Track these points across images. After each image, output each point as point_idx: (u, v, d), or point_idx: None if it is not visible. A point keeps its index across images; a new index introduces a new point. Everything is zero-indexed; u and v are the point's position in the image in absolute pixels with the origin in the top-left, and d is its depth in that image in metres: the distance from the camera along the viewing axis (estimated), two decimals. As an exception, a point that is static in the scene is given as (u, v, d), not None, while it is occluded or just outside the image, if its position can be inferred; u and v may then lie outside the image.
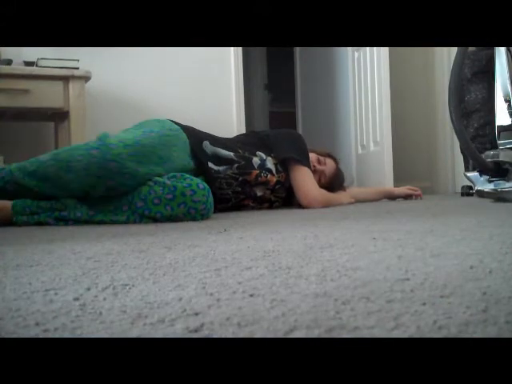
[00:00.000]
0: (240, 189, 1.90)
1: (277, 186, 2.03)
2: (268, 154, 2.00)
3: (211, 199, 1.53)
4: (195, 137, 1.85)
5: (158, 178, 1.53)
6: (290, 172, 2.03)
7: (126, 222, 1.50)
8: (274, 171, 1.99)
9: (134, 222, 1.50)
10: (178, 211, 1.47)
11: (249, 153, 1.95)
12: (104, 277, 0.58)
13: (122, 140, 1.53)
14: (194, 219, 1.49)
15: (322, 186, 2.13)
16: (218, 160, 1.86)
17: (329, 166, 2.22)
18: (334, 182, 2.22)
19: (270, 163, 1.99)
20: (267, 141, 2.07)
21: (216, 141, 1.92)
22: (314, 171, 2.13)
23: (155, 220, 1.49)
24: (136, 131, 1.65)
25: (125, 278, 0.57)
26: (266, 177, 1.96)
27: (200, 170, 1.79)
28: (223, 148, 1.89)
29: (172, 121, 1.85)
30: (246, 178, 1.90)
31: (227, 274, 0.58)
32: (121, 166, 1.47)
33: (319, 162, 2.19)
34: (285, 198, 2.12)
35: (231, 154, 1.89)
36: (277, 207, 2.16)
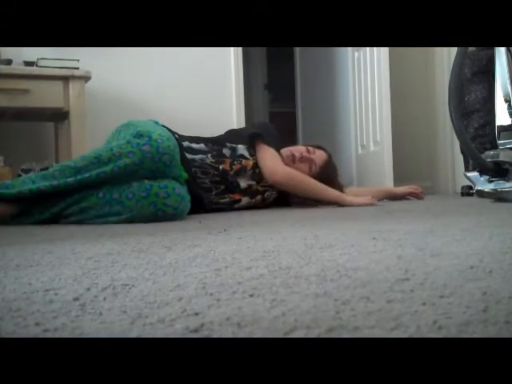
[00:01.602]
0: (219, 179, 1.93)
1: (256, 170, 2.05)
2: (239, 142, 2.04)
3: (183, 206, 1.54)
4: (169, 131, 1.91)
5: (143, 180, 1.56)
6: (256, 154, 2.06)
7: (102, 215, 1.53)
8: (247, 155, 2.02)
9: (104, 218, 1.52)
10: (147, 210, 1.49)
11: (218, 145, 2.00)
12: (104, 277, 0.58)
13: (161, 134, 1.58)
14: (157, 221, 1.49)
15: (314, 175, 2.10)
16: (192, 151, 1.91)
17: (318, 155, 2.19)
18: (325, 172, 2.16)
19: (241, 150, 2.03)
20: (241, 132, 2.12)
21: (183, 136, 1.97)
22: (303, 159, 2.12)
23: (118, 215, 1.51)
24: (156, 126, 1.70)
25: (125, 278, 0.57)
26: (240, 163, 1.99)
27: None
28: (193, 141, 1.97)
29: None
30: (224, 166, 1.93)
31: (227, 273, 0.58)
32: (171, 158, 1.54)
33: (308, 151, 2.17)
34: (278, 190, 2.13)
35: (202, 145, 1.97)
36: (274, 202, 2.16)
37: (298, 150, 2.16)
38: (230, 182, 1.96)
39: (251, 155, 2.04)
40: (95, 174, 1.52)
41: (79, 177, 1.53)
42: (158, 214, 1.48)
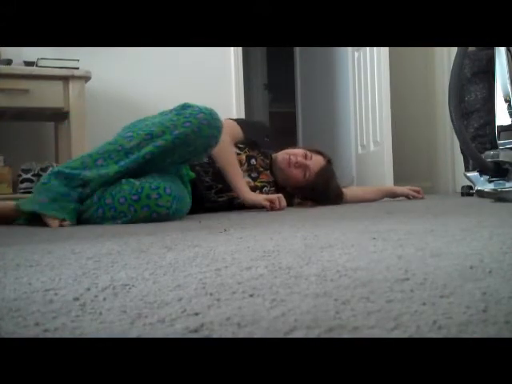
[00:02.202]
0: (217, 177, 1.94)
1: (252, 161, 2.05)
2: None
3: (177, 206, 1.53)
4: None
5: (130, 179, 1.53)
6: None
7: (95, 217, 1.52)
8: (237, 150, 2.03)
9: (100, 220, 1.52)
10: (141, 214, 1.47)
11: None
12: (104, 277, 0.58)
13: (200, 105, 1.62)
14: (153, 222, 1.48)
15: (308, 181, 2.08)
16: None
17: (314, 161, 2.14)
18: (320, 178, 2.11)
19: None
20: None
21: None
22: (297, 164, 2.08)
23: (114, 219, 1.50)
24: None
25: (125, 278, 0.57)
26: None
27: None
28: None
29: None
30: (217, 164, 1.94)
31: (227, 273, 0.58)
32: (221, 125, 1.60)
33: (305, 156, 2.13)
34: (276, 183, 2.12)
35: None
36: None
37: (296, 153, 2.12)
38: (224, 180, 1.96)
39: (241, 149, 2.04)
40: (157, 149, 1.51)
41: (140, 158, 1.51)
42: (153, 216, 1.47)
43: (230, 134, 1.97)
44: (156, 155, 1.52)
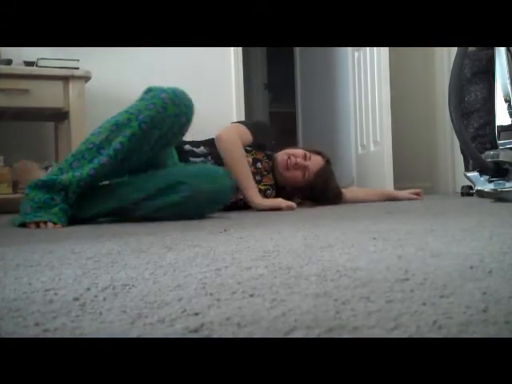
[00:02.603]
0: None
1: (258, 165, 2.06)
2: None
3: None
4: None
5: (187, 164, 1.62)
6: None
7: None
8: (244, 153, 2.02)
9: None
10: (207, 186, 1.50)
11: (214, 147, 1.99)
12: (104, 277, 0.58)
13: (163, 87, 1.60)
14: (219, 206, 1.59)
15: (307, 181, 2.09)
16: (195, 154, 1.92)
17: (314, 162, 2.15)
18: (319, 179, 2.12)
19: None
20: None
21: (183, 141, 1.97)
22: (297, 165, 2.10)
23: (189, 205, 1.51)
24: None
25: (125, 278, 0.57)
26: None
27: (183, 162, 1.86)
28: (194, 146, 1.99)
29: None
30: (225, 168, 1.94)
31: (227, 273, 0.58)
32: (189, 101, 1.56)
33: (305, 157, 2.14)
34: (277, 185, 2.13)
35: (202, 148, 1.99)
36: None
37: (295, 153, 2.13)
38: None
39: (248, 151, 2.04)
40: (126, 139, 1.48)
41: (111, 151, 1.48)
42: (216, 192, 1.52)
43: (240, 137, 1.98)
44: (128, 145, 1.48)
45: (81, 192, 1.50)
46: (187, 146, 1.96)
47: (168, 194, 1.51)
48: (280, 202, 1.89)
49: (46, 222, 1.42)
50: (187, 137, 2.07)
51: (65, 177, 1.47)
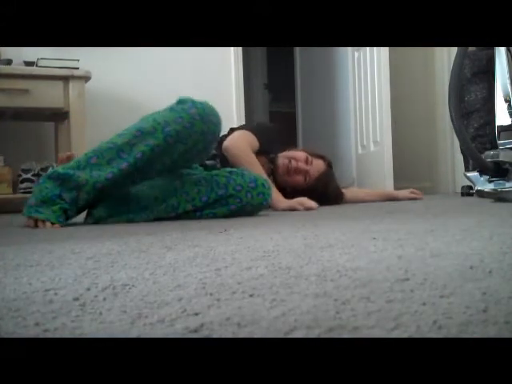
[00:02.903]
0: None
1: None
2: None
3: None
4: None
5: (229, 169, 1.61)
6: None
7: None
8: None
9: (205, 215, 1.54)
10: (257, 199, 1.56)
11: (220, 149, 1.99)
12: (104, 277, 0.58)
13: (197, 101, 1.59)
14: (258, 211, 1.61)
15: (308, 185, 2.10)
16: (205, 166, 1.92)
17: (315, 166, 2.16)
18: (320, 183, 2.13)
19: None
20: None
21: None
22: (298, 170, 2.10)
23: (222, 210, 1.54)
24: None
25: (125, 278, 0.57)
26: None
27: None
28: None
29: None
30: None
31: (227, 273, 0.58)
32: (218, 120, 1.55)
33: (306, 161, 2.15)
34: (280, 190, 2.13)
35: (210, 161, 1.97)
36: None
37: (296, 157, 2.13)
38: None
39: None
40: (149, 149, 1.46)
41: (131, 158, 1.46)
42: (264, 204, 1.58)
43: (248, 144, 1.98)
44: (149, 155, 1.46)
45: (95, 196, 1.48)
46: None
47: (216, 206, 1.55)
48: (299, 202, 1.88)
49: (44, 221, 1.41)
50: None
51: (82, 174, 1.45)
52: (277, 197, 1.89)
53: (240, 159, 1.90)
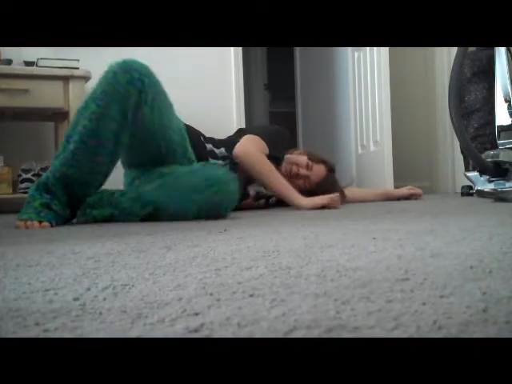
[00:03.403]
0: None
1: None
2: None
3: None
4: (192, 131, 1.90)
5: (194, 165, 1.58)
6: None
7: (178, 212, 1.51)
8: None
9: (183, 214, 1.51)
10: (216, 197, 1.47)
11: (230, 151, 1.98)
12: (104, 277, 0.58)
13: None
14: (224, 210, 1.51)
15: (306, 190, 2.10)
16: (215, 155, 1.91)
17: (315, 172, 2.16)
18: (321, 188, 2.12)
19: None
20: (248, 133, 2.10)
21: (207, 138, 1.97)
22: (298, 176, 2.11)
23: (184, 212, 1.49)
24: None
25: (125, 278, 0.57)
26: None
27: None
28: (215, 146, 1.97)
29: None
30: (238, 172, 1.94)
31: (227, 273, 0.58)
32: (142, 67, 1.56)
33: (307, 166, 2.15)
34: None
35: (222, 149, 1.94)
36: (274, 205, 2.17)
37: (298, 162, 2.14)
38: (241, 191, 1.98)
39: None
40: (87, 120, 1.46)
41: (76, 136, 1.48)
42: (225, 202, 1.50)
43: (260, 151, 1.97)
44: (90, 126, 1.46)
45: (65, 185, 1.50)
46: (209, 146, 1.94)
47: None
48: (324, 199, 1.87)
49: (32, 222, 1.43)
50: (207, 133, 2.06)
51: (45, 173, 1.52)
52: (299, 197, 1.89)
53: (258, 168, 1.90)
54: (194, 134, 1.89)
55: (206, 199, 1.47)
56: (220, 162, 1.93)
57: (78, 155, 1.48)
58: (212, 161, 1.89)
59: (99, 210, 1.55)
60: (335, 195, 1.89)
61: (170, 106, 1.69)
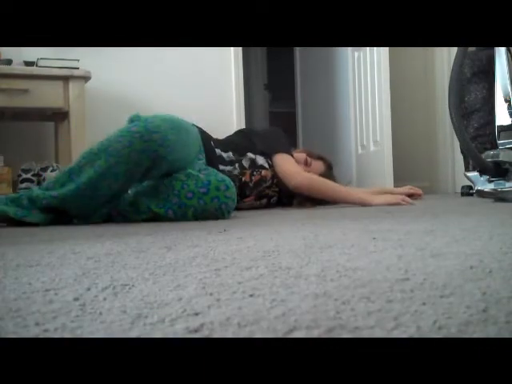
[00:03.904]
0: (239, 190, 1.94)
1: (275, 180, 2.06)
2: (257, 153, 2.03)
3: (235, 198, 1.56)
4: (205, 135, 1.90)
5: (190, 171, 1.54)
6: (274, 161, 2.07)
7: (165, 216, 1.52)
8: (266, 166, 2.02)
9: (172, 217, 1.52)
10: (211, 205, 1.48)
11: (239, 154, 1.99)
12: (104, 277, 0.58)
13: (156, 115, 1.54)
14: (222, 215, 1.50)
15: None
16: (223, 160, 1.91)
17: (315, 168, 2.20)
18: None
19: (261, 160, 2.02)
20: (254, 140, 2.10)
21: (216, 142, 1.96)
22: None
23: (182, 217, 1.50)
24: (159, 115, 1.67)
25: (125, 278, 0.57)
26: (260, 174, 1.99)
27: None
28: (223, 150, 1.94)
29: None
30: (245, 178, 1.94)
31: (227, 273, 0.58)
32: (163, 138, 1.48)
33: (306, 163, 2.19)
34: (281, 192, 2.14)
35: (230, 153, 1.94)
36: (275, 204, 2.17)
37: (297, 159, 2.16)
38: (245, 193, 1.99)
39: (270, 166, 2.05)
40: (93, 172, 1.45)
41: (72, 186, 1.47)
42: (222, 208, 1.48)
43: (296, 165, 2.03)
44: (95, 178, 1.46)
45: (49, 208, 1.50)
46: (218, 151, 1.94)
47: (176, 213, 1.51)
48: (392, 198, 1.94)
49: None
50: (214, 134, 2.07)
51: (36, 190, 1.51)
52: (360, 195, 1.96)
53: (313, 190, 1.96)
54: (205, 139, 1.89)
55: (200, 205, 1.48)
56: (228, 167, 1.93)
57: (74, 197, 1.49)
58: (221, 167, 1.89)
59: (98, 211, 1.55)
60: (403, 197, 1.98)
61: (189, 142, 1.66)
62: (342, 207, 1.97)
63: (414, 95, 3.92)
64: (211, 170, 1.60)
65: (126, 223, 1.51)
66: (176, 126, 1.56)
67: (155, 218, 1.52)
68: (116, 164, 1.45)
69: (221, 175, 1.55)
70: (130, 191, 1.59)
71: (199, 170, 1.59)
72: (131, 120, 1.54)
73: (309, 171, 2.15)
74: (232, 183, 1.53)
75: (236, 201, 1.57)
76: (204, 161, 1.80)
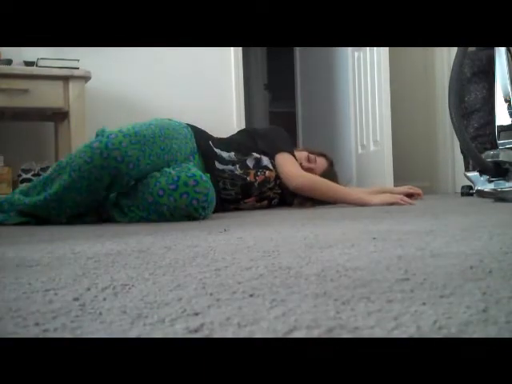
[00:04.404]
0: (242, 190, 1.94)
1: (278, 182, 2.05)
2: (261, 153, 2.03)
3: (212, 193, 1.52)
4: (201, 135, 1.89)
5: (165, 169, 1.53)
6: (275, 161, 2.06)
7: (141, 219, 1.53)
8: (270, 167, 2.02)
9: (145, 219, 1.52)
10: (181, 202, 1.45)
11: (242, 154, 1.98)
12: (104, 277, 0.58)
13: (121, 130, 1.53)
14: (195, 212, 1.47)
15: None
16: (223, 160, 1.90)
17: (318, 164, 2.20)
18: None
19: (265, 161, 2.02)
20: (257, 139, 2.10)
21: (216, 141, 1.96)
22: (303, 169, 2.13)
23: (160, 216, 1.50)
24: (136, 124, 1.65)
25: (125, 278, 0.57)
26: (264, 174, 1.98)
27: (207, 169, 1.82)
28: (224, 149, 1.94)
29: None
30: (250, 178, 1.94)
31: (227, 273, 0.58)
32: (124, 154, 1.47)
33: (309, 159, 2.19)
34: (282, 193, 2.14)
35: (232, 154, 1.94)
36: (276, 205, 2.17)
37: (300, 157, 2.16)
38: (250, 193, 1.99)
39: (274, 167, 2.05)
40: (60, 186, 1.49)
41: (41, 196, 1.52)
42: (193, 204, 1.45)
43: (298, 166, 2.03)
44: (61, 192, 1.49)
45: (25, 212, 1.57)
46: (217, 151, 1.93)
47: (150, 212, 1.52)
48: (390, 197, 1.94)
49: None
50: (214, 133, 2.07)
51: (17, 195, 1.59)
52: (360, 196, 1.96)
53: (315, 191, 1.97)
54: (202, 138, 1.88)
55: (171, 202, 1.46)
56: (229, 166, 1.92)
57: (42, 208, 1.54)
58: (218, 166, 1.89)
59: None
60: (402, 196, 1.98)
61: (167, 150, 1.64)
62: (342, 207, 1.97)
63: (413, 95, 3.92)
64: (186, 166, 1.55)
65: (126, 223, 1.51)
66: (140, 140, 1.53)
67: (141, 220, 1.53)
68: (79, 179, 1.47)
69: (193, 170, 1.50)
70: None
71: (173, 168, 1.57)
72: (97, 134, 1.55)
73: (313, 168, 2.15)
74: (205, 178, 1.50)
75: (215, 198, 1.55)
76: (196, 162, 1.79)
